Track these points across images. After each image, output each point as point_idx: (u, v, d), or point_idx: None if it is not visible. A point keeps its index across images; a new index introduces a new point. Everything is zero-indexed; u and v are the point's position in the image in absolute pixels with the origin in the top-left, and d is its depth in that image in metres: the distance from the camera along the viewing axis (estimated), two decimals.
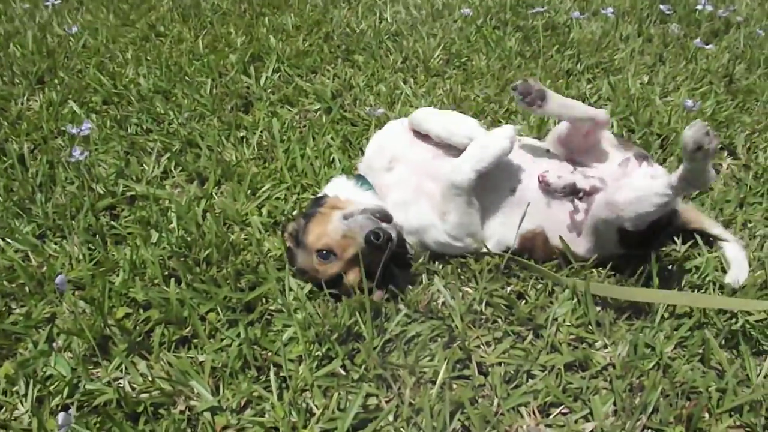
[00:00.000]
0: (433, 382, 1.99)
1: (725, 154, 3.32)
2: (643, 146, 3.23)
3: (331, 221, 2.32)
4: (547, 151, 2.60)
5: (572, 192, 2.43)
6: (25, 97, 3.87)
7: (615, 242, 2.34)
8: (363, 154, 2.77)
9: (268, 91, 3.87)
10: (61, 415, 1.74)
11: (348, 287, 2.26)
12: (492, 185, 2.44)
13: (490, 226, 2.47)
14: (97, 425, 1.87)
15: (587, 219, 2.41)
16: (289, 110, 3.68)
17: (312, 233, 2.33)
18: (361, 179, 2.60)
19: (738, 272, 2.43)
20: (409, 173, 2.52)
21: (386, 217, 2.30)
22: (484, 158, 2.32)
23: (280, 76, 4.08)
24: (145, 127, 3.51)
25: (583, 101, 3.74)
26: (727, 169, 3.20)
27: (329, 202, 2.46)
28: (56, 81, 4.03)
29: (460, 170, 2.33)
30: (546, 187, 2.44)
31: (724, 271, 2.46)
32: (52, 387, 2.00)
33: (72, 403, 1.95)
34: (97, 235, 2.64)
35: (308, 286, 2.35)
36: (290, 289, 2.31)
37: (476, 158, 2.33)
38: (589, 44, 4.55)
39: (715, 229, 2.61)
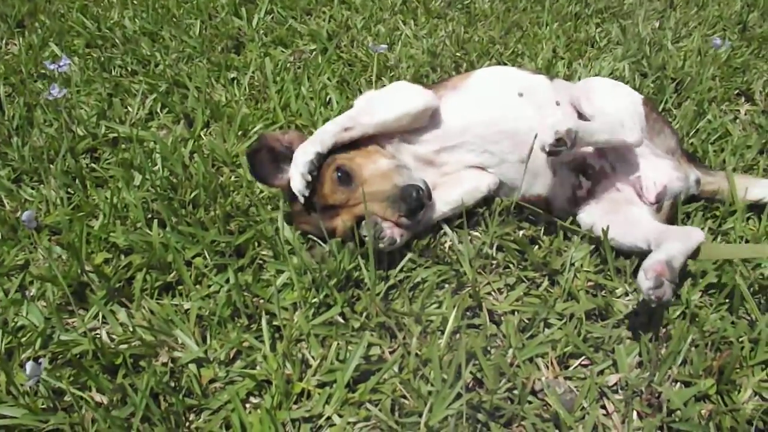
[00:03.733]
0: (442, 331, 1.84)
1: (743, 99, 3.20)
2: (657, 90, 3.07)
3: (377, 160, 2.12)
4: (557, 103, 2.34)
5: (579, 167, 2.22)
6: (3, 41, 3.73)
7: None
8: (360, 93, 2.57)
9: (261, 32, 3.70)
10: (29, 365, 1.57)
11: (333, 228, 2.08)
12: (500, 150, 2.23)
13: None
14: (71, 378, 1.73)
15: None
16: (283, 51, 3.52)
17: (348, 155, 2.11)
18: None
19: None
20: None
21: (429, 194, 2.06)
22: None
23: (273, 17, 3.91)
24: (129, 69, 3.37)
25: (592, 45, 3.59)
26: (746, 115, 3.06)
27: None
28: (37, 25, 3.87)
29: None
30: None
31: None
32: (24, 338, 1.87)
33: (44, 355, 1.81)
34: (76, 179, 2.49)
35: None
36: (285, 242, 2.13)
37: None
38: None
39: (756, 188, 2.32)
